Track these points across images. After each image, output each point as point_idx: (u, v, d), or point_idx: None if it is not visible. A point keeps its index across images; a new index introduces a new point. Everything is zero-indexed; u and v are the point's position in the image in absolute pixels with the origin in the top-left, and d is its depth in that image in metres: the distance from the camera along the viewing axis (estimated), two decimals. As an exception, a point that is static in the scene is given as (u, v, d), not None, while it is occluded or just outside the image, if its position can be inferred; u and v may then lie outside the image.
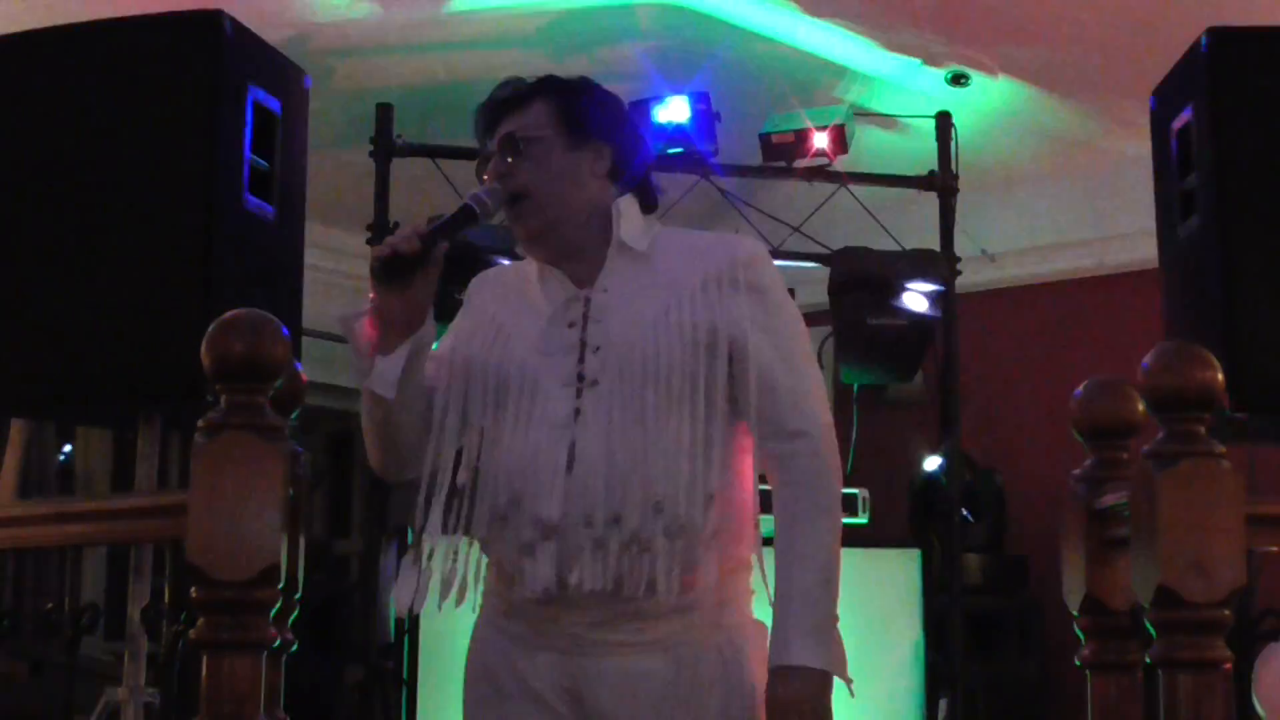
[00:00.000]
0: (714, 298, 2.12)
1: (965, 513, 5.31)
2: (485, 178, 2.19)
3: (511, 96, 2.22)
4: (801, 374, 2.15)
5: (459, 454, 2.16)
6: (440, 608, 2.16)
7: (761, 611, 2.16)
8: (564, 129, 2.17)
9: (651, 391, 2.07)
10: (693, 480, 2.06)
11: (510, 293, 2.23)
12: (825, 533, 2.09)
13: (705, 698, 2.07)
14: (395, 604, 2.17)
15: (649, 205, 2.25)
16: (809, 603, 2.06)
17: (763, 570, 2.12)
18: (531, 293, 2.19)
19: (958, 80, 5.29)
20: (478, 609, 2.20)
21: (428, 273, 2.06)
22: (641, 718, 2.07)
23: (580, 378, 2.10)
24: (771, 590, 2.09)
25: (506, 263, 2.36)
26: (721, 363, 2.11)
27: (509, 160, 2.15)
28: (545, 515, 2.04)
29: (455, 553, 2.17)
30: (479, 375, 2.15)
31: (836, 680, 2.04)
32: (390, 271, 2.02)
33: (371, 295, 2.06)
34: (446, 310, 2.19)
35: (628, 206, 2.21)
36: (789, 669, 2.01)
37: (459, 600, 2.17)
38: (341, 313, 2.11)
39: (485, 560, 2.18)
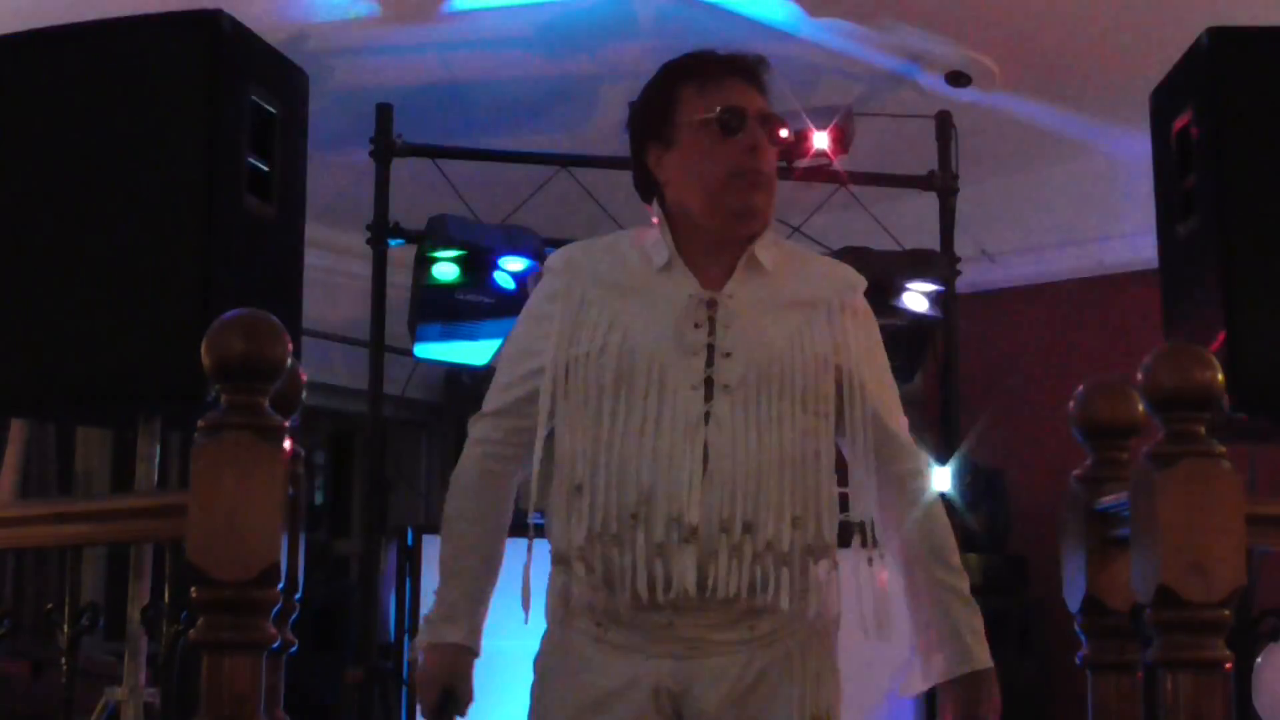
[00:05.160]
0: (835, 322, 2.19)
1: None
2: (719, 153, 2.14)
3: (760, 77, 2.22)
4: (900, 410, 2.27)
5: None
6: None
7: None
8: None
9: (785, 403, 2.10)
10: (830, 498, 2.13)
11: (614, 278, 2.18)
12: (956, 555, 2.24)
13: (812, 688, 2.11)
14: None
15: None
16: (973, 609, 2.22)
17: None
18: (650, 283, 2.15)
19: (958, 80, 5.28)
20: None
21: None
22: (750, 712, 2.09)
23: (709, 381, 2.09)
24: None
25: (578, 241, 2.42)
26: (835, 386, 2.18)
27: (770, 143, 2.17)
28: (686, 517, 2.03)
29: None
30: (595, 369, 2.10)
31: None
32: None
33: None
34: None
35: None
36: (978, 674, 2.19)
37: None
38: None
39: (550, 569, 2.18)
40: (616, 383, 2.08)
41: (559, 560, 2.14)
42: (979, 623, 2.22)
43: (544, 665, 2.18)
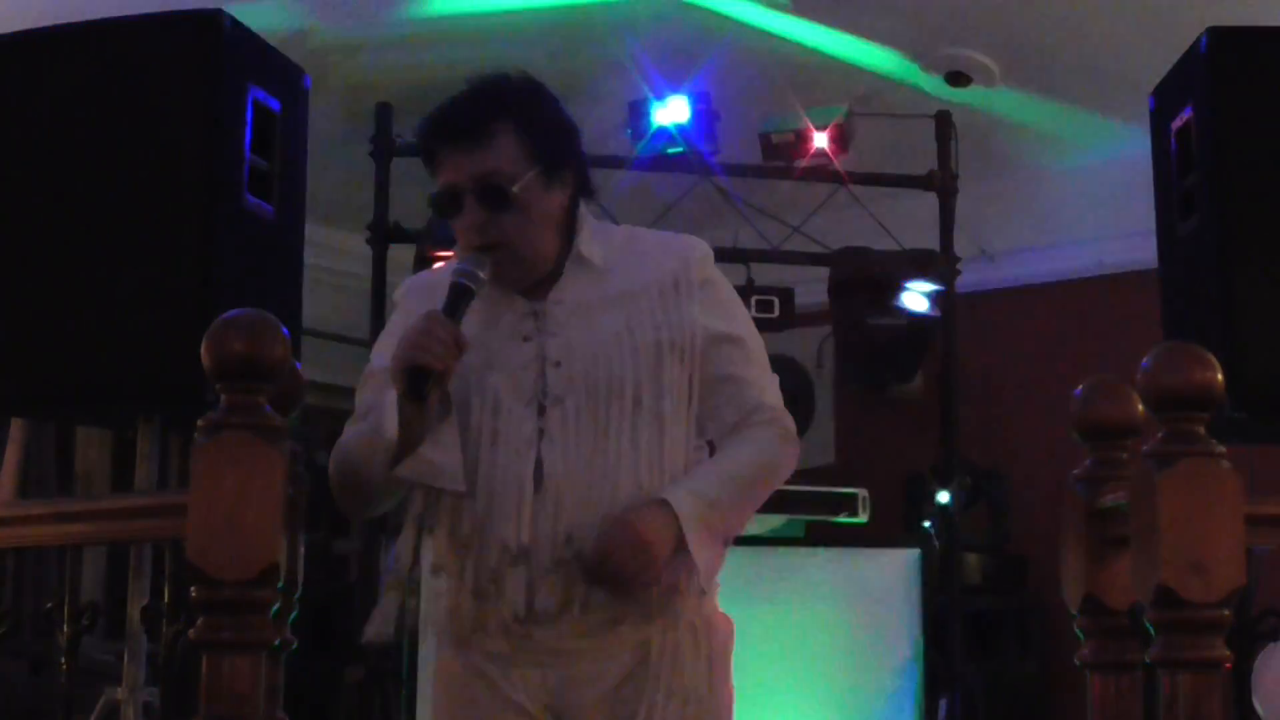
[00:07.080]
0: (670, 303, 2.11)
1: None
2: (457, 232, 2.09)
3: (472, 127, 2.10)
4: (762, 367, 2.18)
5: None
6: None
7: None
8: (537, 164, 2.08)
9: (615, 408, 2.05)
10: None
11: None
12: (761, 458, 2.11)
13: (681, 670, 2.07)
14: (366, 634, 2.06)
15: (589, 195, 2.21)
16: (713, 480, 2.08)
17: None
18: (485, 299, 2.09)
19: (958, 80, 5.28)
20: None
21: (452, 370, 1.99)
22: (621, 711, 2.05)
23: (543, 394, 2.05)
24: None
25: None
26: (684, 369, 2.10)
27: (489, 212, 2.06)
28: (512, 540, 2.01)
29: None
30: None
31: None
32: (420, 387, 1.96)
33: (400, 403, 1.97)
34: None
35: (586, 218, 2.18)
36: (657, 502, 2.01)
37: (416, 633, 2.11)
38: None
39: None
40: (459, 404, 2.03)
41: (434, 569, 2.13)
42: (713, 494, 2.05)
43: (437, 677, 2.17)
